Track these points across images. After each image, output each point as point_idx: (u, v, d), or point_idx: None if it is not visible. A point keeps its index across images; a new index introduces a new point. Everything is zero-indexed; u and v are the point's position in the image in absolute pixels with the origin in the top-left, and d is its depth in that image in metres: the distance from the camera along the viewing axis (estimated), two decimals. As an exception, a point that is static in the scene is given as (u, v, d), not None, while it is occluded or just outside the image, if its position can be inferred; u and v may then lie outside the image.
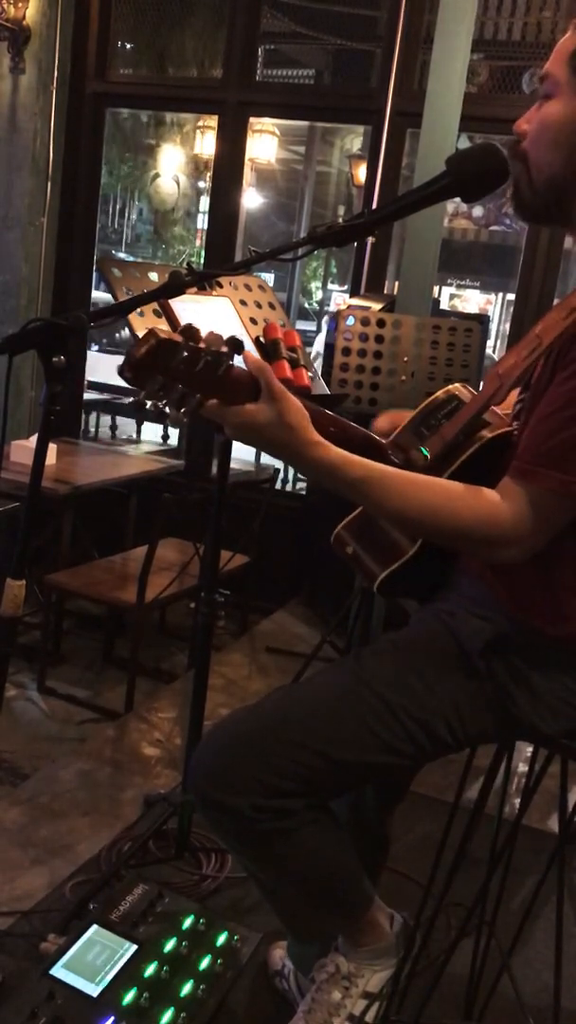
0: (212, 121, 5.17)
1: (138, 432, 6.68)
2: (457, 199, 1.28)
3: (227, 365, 1.13)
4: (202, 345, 1.11)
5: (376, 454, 1.30)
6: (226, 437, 1.21)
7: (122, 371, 1.10)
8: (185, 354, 1.09)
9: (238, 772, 1.33)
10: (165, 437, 6.76)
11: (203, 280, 1.75)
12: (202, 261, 8.06)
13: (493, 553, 1.23)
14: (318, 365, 4.15)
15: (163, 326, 1.79)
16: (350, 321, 2.83)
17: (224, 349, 1.13)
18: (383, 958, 1.52)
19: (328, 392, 2.01)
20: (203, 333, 1.13)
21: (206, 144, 6.89)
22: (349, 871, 1.47)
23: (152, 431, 6.83)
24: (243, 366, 1.19)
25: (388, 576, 1.38)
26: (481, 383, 1.67)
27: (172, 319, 1.80)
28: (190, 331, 1.11)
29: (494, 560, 1.25)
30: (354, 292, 4.13)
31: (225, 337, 1.13)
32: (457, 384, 1.48)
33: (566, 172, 1.25)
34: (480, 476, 1.28)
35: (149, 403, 1.12)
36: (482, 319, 3.29)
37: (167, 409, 1.12)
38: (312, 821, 1.38)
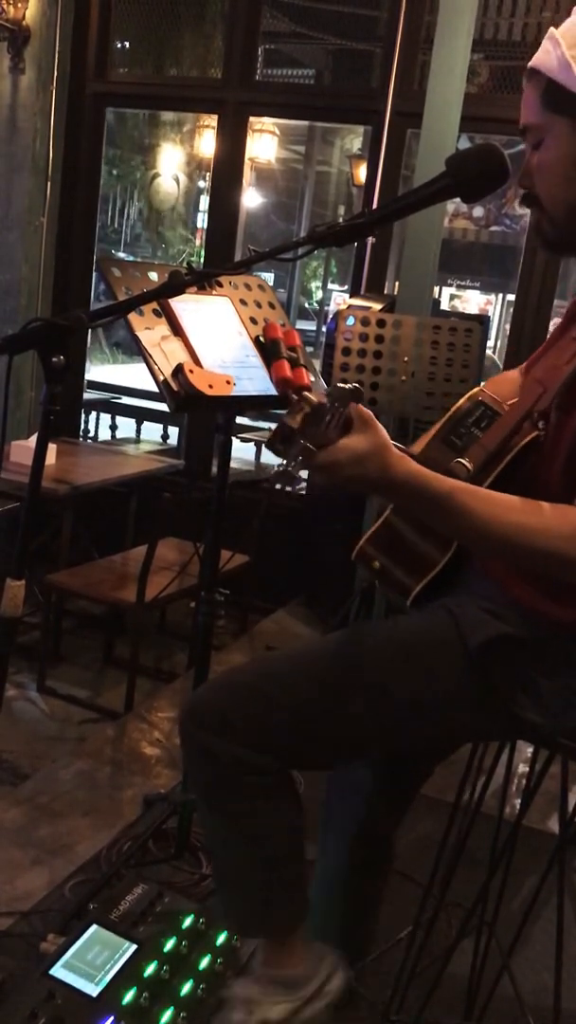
0: (212, 121, 5.17)
1: (138, 432, 6.67)
2: (457, 199, 1.28)
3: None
4: (333, 403, 1.07)
5: None
6: (297, 475, 1.11)
7: (272, 444, 1.06)
8: (328, 417, 1.06)
9: (227, 721, 1.32)
10: (165, 437, 6.76)
11: (203, 280, 1.75)
12: (202, 261, 8.07)
13: None
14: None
15: (163, 326, 1.79)
16: (350, 321, 2.83)
17: (346, 401, 1.09)
18: (290, 990, 1.41)
19: (328, 392, 2.00)
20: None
21: (206, 144, 6.89)
22: (294, 867, 1.42)
23: (152, 431, 6.83)
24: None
25: (421, 589, 1.36)
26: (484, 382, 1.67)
27: (172, 319, 1.80)
28: (342, 394, 1.07)
29: None
30: (354, 292, 4.13)
31: (348, 388, 1.08)
32: (476, 389, 1.46)
33: None
34: (514, 482, 1.26)
35: (290, 467, 1.06)
36: (482, 319, 3.29)
37: (295, 470, 1.07)
38: (282, 797, 1.37)
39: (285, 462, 1.07)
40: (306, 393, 1.07)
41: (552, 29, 1.24)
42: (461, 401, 1.44)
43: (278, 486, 1.09)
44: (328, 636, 1.47)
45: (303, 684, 1.35)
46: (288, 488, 1.09)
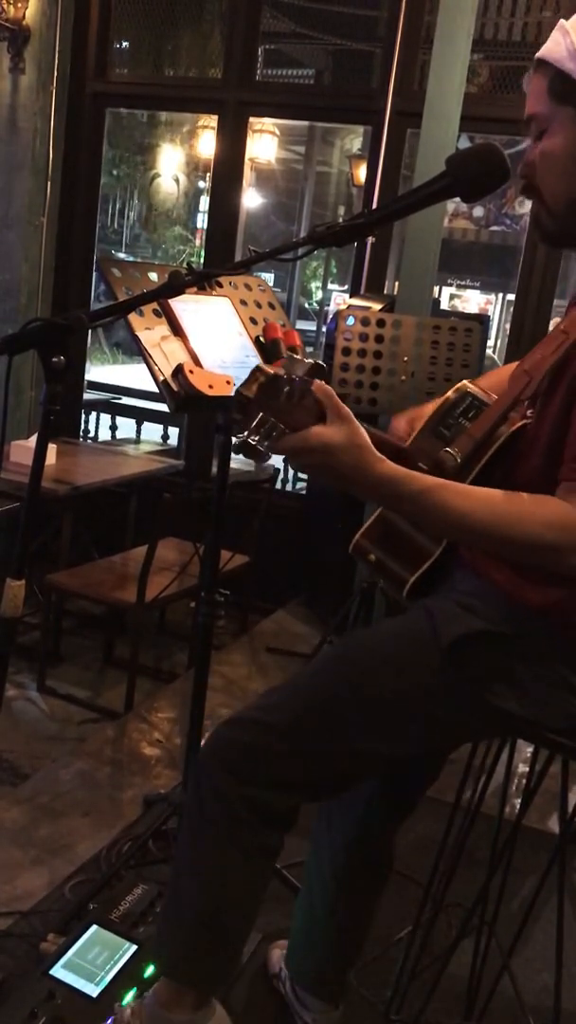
0: (212, 121, 5.17)
1: (138, 432, 6.66)
2: (457, 199, 1.28)
3: (309, 393, 1.12)
4: (291, 376, 1.10)
5: (405, 463, 1.24)
6: (262, 454, 1.12)
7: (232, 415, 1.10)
8: (287, 388, 1.09)
9: (239, 758, 1.35)
10: (165, 437, 6.74)
11: (203, 280, 1.75)
12: (202, 261, 8.07)
13: (564, 560, 1.17)
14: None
15: (163, 327, 1.79)
16: (350, 321, 2.83)
17: (306, 376, 1.12)
18: None
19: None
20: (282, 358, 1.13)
21: (205, 144, 6.89)
22: (246, 928, 1.44)
23: (152, 431, 6.82)
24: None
25: (417, 580, 1.37)
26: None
27: (172, 319, 1.80)
28: (296, 364, 1.11)
29: (563, 568, 1.18)
30: (354, 292, 4.13)
31: (308, 363, 1.12)
32: (464, 381, 1.47)
33: None
34: (500, 471, 1.27)
35: (253, 440, 1.10)
36: (482, 319, 3.29)
37: (261, 445, 1.10)
38: (265, 869, 1.41)
39: (245, 433, 1.09)
40: (261, 364, 1.09)
41: (562, 21, 1.24)
42: (448, 393, 1.45)
43: (243, 457, 1.14)
44: (323, 653, 1.49)
45: (300, 709, 1.37)
46: (252, 462, 1.13)
